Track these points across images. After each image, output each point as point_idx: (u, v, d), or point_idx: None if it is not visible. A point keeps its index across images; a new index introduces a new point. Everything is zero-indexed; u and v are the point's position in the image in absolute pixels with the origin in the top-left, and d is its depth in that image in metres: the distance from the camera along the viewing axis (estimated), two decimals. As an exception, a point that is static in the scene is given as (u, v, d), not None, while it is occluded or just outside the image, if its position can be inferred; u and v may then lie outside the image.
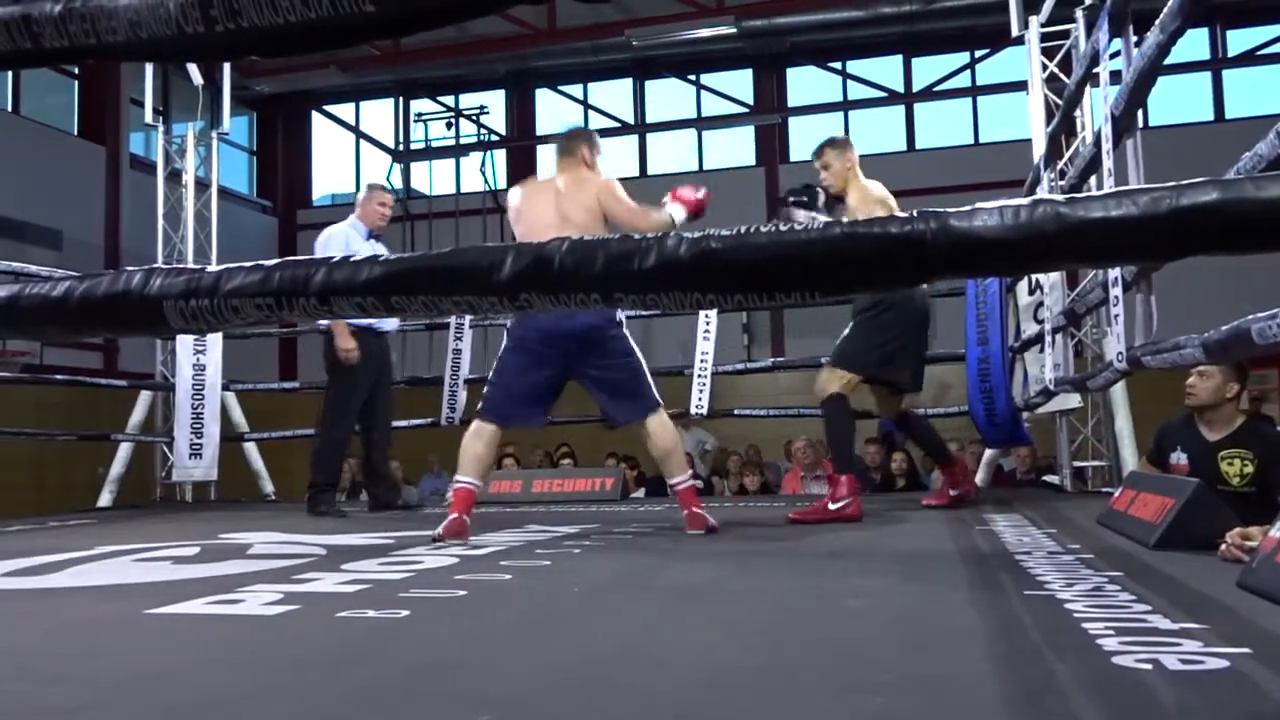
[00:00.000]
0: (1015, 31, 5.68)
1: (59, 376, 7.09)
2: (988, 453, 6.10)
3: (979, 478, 6.19)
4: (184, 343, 6.31)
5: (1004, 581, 2.13)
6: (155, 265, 1.16)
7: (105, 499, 6.35)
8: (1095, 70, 3.81)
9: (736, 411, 6.91)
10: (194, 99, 6.92)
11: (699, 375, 6.21)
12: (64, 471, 7.95)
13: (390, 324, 5.02)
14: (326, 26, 1.04)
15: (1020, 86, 6.03)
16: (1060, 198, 0.82)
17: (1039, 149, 5.36)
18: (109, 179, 10.72)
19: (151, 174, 7.09)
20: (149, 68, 6.60)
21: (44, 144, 10.08)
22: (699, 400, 6.24)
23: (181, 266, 1.03)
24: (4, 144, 9.42)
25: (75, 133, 10.74)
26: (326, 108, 14.21)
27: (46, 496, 7.68)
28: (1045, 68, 5.62)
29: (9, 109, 9.93)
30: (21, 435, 6.89)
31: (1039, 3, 5.63)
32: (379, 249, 4.77)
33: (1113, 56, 3.50)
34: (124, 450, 6.54)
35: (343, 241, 4.81)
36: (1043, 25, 5.60)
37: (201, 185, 6.97)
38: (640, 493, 7.07)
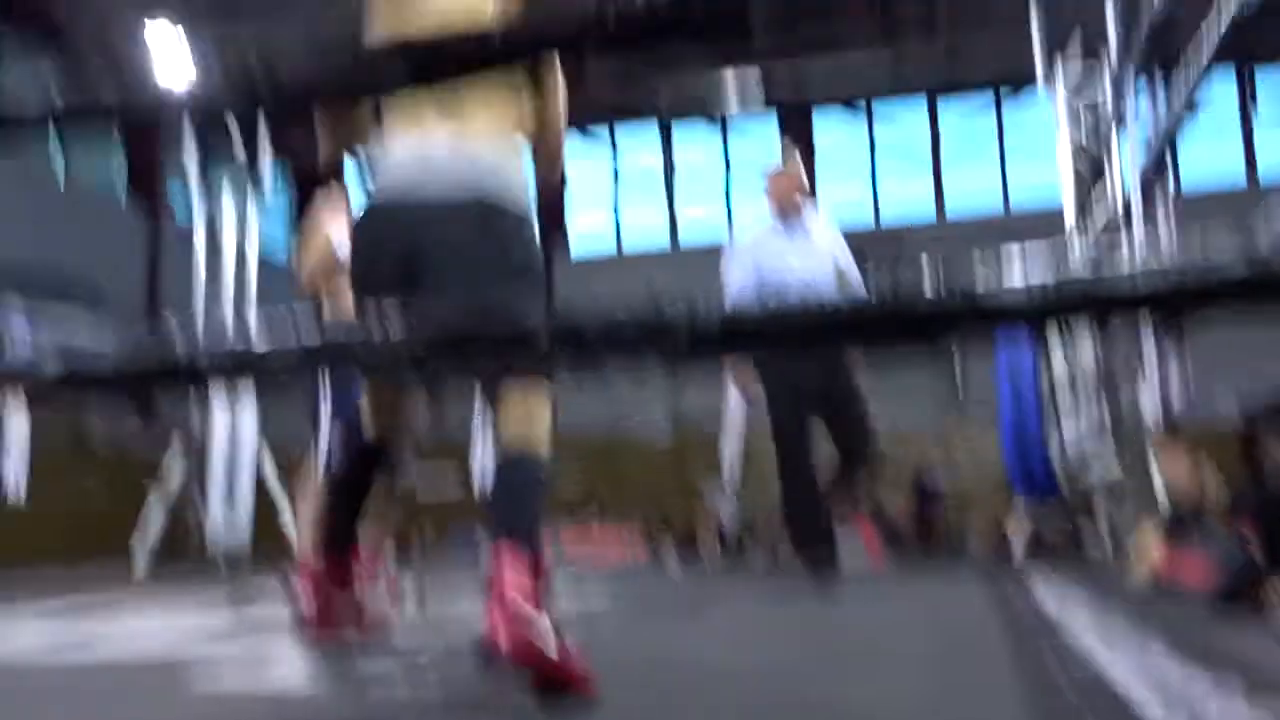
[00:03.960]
0: (1040, 76, 5.70)
1: (97, 442, 7.18)
2: (1025, 516, 6.00)
3: (1016, 543, 6.08)
4: (219, 402, 6.40)
5: (1043, 646, 2.09)
6: (198, 330, 1.19)
7: (140, 564, 6.40)
8: (1123, 130, 3.83)
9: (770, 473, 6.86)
10: (235, 163, 7.10)
11: (730, 435, 6.20)
12: (98, 537, 8.01)
13: None
14: (360, 82, 1.09)
15: (1049, 142, 6.05)
16: (1086, 268, 0.83)
17: (1068, 208, 5.36)
18: (151, 241, 10.98)
19: (192, 236, 7.25)
20: (192, 132, 6.78)
21: (90, 207, 10.37)
22: (731, 461, 6.22)
23: (224, 332, 1.06)
24: (51, 207, 9.69)
25: (121, 196, 11.05)
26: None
27: (81, 561, 7.72)
28: (1072, 126, 5.64)
29: (59, 173, 10.25)
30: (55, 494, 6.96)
31: (1066, 64, 5.67)
32: (802, 242, 3.88)
33: (1139, 97, 3.52)
34: (158, 514, 6.60)
35: (742, 255, 3.92)
36: (1070, 86, 5.63)
37: (240, 246, 7.12)
38: (671, 557, 7.01)
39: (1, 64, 9.60)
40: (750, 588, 4.01)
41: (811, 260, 3.80)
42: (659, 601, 3.42)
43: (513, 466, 1.83)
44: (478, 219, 1.86)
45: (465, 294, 1.83)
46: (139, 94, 1.04)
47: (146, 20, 6.77)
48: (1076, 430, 5.01)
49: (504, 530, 1.70)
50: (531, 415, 1.84)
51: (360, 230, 1.98)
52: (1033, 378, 5.21)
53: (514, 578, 1.59)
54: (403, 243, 1.87)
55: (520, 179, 1.96)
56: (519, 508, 1.77)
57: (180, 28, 6.54)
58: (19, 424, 5.41)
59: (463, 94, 1.86)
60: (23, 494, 5.41)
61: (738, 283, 3.83)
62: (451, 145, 1.88)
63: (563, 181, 2.27)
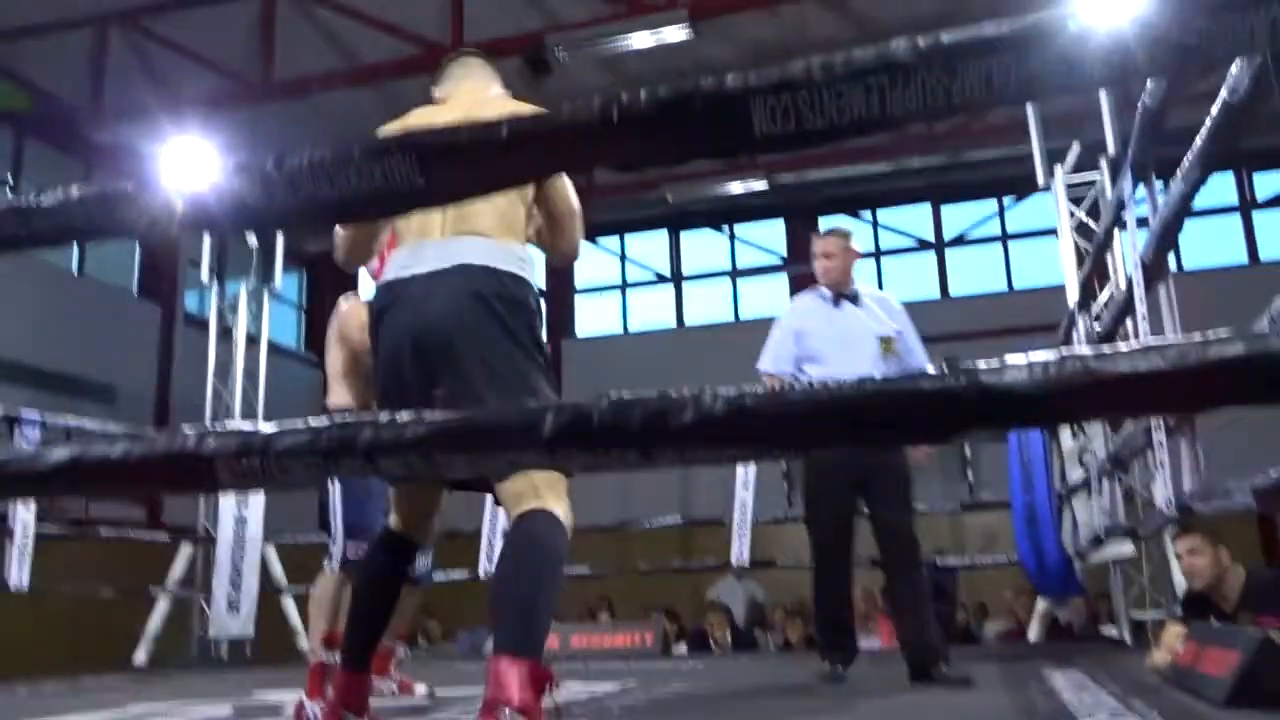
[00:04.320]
0: (1041, 182, 5.84)
1: (103, 531, 7.15)
2: (1041, 604, 5.90)
3: (1033, 631, 5.97)
4: (227, 495, 6.38)
5: (1064, 743, 2.03)
6: (209, 425, 1.20)
7: (142, 655, 6.30)
8: (1123, 217, 3.88)
9: (779, 562, 6.77)
10: (248, 258, 7.22)
11: (739, 525, 6.14)
12: (101, 627, 7.93)
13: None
14: (379, 197, 1.11)
15: (1052, 232, 6.14)
16: (1089, 351, 0.84)
17: (1072, 295, 5.41)
18: (163, 336, 11.08)
19: (204, 330, 7.33)
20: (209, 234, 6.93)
21: (104, 303, 10.49)
22: (739, 551, 6.14)
23: (234, 427, 1.07)
24: (65, 303, 9.82)
25: (135, 292, 11.19)
26: (373, 264, 14.70)
27: (83, 651, 7.62)
28: (1073, 215, 5.73)
29: (74, 270, 10.41)
30: (62, 591, 6.90)
31: (1063, 153, 5.80)
32: (849, 310, 3.64)
33: (1139, 203, 3.58)
34: (162, 605, 6.53)
35: (785, 325, 3.72)
36: (1068, 174, 5.74)
37: (251, 340, 7.19)
38: (681, 647, 6.88)
39: (23, 174, 9.86)
40: (763, 675, 3.92)
41: (856, 329, 3.58)
42: (671, 690, 3.34)
43: (519, 546, 1.76)
44: (464, 276, 1.94)
45: (465, 357, 1.87)
46: (158, 202, 1.08)
47: (173, 135, 7.00)
48: (1089, 512, 4.96)
49: (504, 639, 1.64)
50: (536, 483, 1.79)
51: (371, 312, 2.07)
52: (1044, 463, 5.17)
53: (513, 692, 1.55)
54: (404, 311, 1.96)
55: (516, 258, 2.02)
56: (521, 610, 1.68)
57: (206, 143, 6.76)
58: (24, 513, 5.39)
59: (464, 207, 1.96)
60: (26, 583, 5.37)
61: (774, 351, 3.66)
62: (447, 238, 1.98)
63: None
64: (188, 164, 6.34)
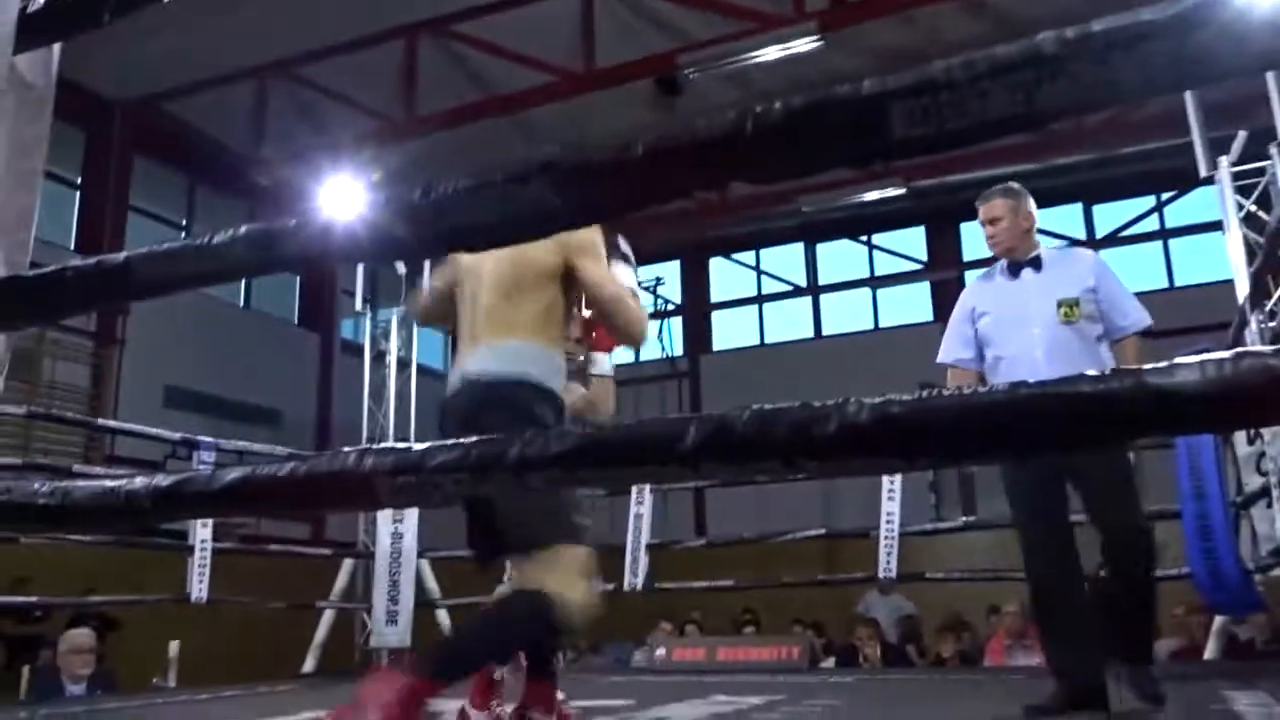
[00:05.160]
0: (1203, 172, 5.49)
1: (272, 546, 7.57)
2: (1218, 620, 5.51)
3: (1210, 649, 5.58)
4: (384, 512, 6.66)
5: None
6: (368, 445, 1.26)
7: (309, 664, 6.64)
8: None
9: (928, 574, 6.56)
10: (397, 286, 7.55)
11: (885, 537, 5.98)
12: (271, 637, 8.39)
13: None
14: (519, 222, 1.13)
15: (1216, 226, 5.75)
16: (1268, 348, 0.78)
17: (1242, 291, 5.05)
18: (322, 362, 11.70)
19: (359, 356, 7.70)
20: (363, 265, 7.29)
21: (268, 333, 11.17)
22: (886, 564, 5.99)
23: (391, 445, 1.12)
24: (234, 334, 10.49)
25: (295, 322, 11.85)
26: (514, 286, 15.09)
27: (256, 660, 8.09)
28: (1241, 206, 5.36)
29: (240, 304, 11.11)
30: (236, 603, 7.33)
31: (1227, 142, 5.43)
32: (1030, 281, 3.23)
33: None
34: (327, 616, 6.86)
35: (958, 309, 3.39)
36: (1233, 164, 5.37)
37: (402, 364, 7.50)
38: (829, 662, 6.75)
39: (195, 217, 10.62)
40: (914, 691, 3.80)
41: (1030, 300, 3.15)
42: (818, 705, 3.28)
43: (489, 611, 2.09)
44: (465, 392, 2.22)
45: None
46: (314, 237, 1.15)
47: (329, 173, 7.41)
48: (1270, 523, 4.60)
49: (418, 661, 1.88)
50: (544, 576, 2.00)
51: None
52: (1217, 470, 4.83)
53: (380, 700, 1.74)
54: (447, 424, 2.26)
55: (512, 356, 2.19)
56: (447, 646, 2.02)
57: (358, 180, 7.13)
58: (202, 531, 5.77)
59: (475, 313, 2.26)
60: (205, 595, 5.75)
61: (948, 339, 3.34)
62: (472, 349, 2.27)
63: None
64: (341, 200, 6.70)
